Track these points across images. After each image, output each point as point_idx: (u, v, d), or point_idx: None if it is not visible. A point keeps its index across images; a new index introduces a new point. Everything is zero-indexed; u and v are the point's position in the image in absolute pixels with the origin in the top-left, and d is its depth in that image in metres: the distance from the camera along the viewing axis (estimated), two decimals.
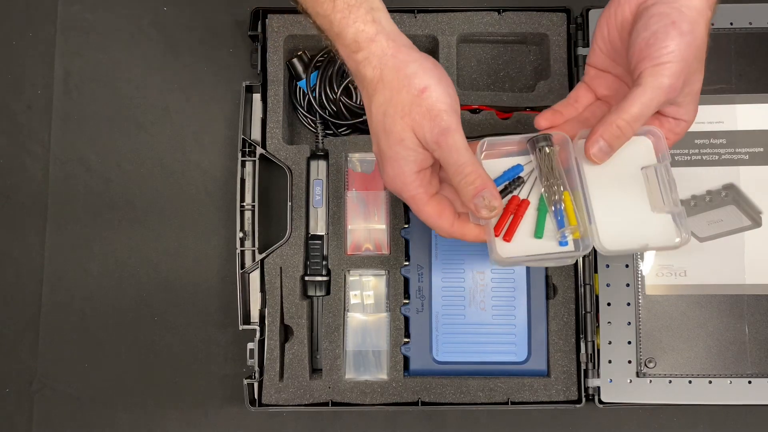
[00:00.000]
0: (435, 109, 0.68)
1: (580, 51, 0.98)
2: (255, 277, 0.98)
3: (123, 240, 1.02)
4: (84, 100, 1.04)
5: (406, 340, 0.95)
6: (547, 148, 0.74)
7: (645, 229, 0.75)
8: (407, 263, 0.96)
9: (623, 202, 0.75)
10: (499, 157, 0.77)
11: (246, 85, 0.98)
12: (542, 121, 0.78)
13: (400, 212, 0.97)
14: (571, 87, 0.98)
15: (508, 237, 0.74)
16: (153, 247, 1.02)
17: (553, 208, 0.74)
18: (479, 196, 0.69)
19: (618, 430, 1.00)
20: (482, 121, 0.98)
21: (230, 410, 1.00)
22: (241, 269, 0.96)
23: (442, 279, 0.95)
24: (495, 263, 0.74)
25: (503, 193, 0.75)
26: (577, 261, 0.94)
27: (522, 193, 0.76)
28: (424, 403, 0.94)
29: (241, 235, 0.97)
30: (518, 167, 0.76)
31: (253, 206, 0.97)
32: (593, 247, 0.73)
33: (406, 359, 0.95)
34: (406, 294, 0.96)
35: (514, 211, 0.75)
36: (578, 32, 0.98)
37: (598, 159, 0.72)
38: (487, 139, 0.75)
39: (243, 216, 0.97)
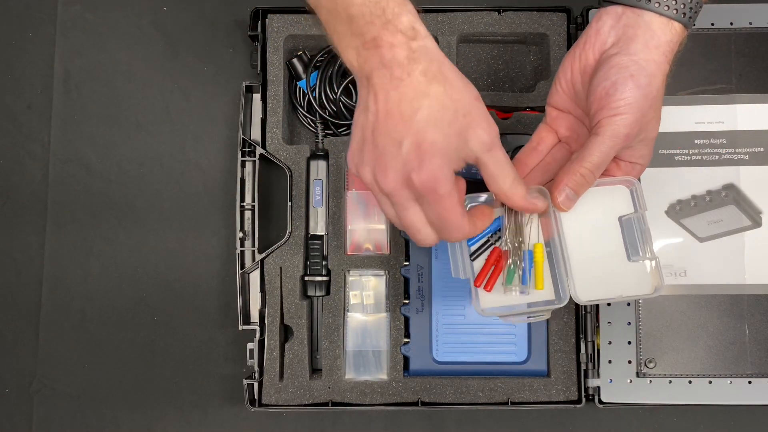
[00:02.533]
0: (489, 116, 0.70)
1: None
2: (255, 277, 0.98)
3: (123, 240, 1.02)
4: (84, 100, 1.04)
5: (406, 340, 0.95)
6: None
7: (620, 279, 0.78)
8: (407, 263, 0.96)
9: (600, 252, 0.78)
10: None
11: (246, 85, 0.98)
12: None
13: None
14: None
15: (488, 287, 0.77)
16: (153, 247, 1.02)
17: (520, 263, 0.78)
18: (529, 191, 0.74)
19: (618, 430, 1.00)
20: None
21: (230, 410, 1.00)
22: (241, 269, 0.96)
23: (442, 279, 0.95)
24: (477, 312, 0.77)
25: (485, 245, 0.79)
26: None
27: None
28: (424, 403, 0.94)
29: (241, 235, 0.96)
30: (500, 220, 0.79)
31: (253, 206, 0.97)
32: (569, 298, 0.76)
33: (406, 359, 0.95)
34: (406, 294, 0.96)
35: (495, 262, 0.77)
36: (578, 32, 0.98)
37: (566, 206, 0.75)
38: (468, 196, 0.77)
39: (243, 216, 0.97)
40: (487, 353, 0.95)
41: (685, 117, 0.95)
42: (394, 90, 0.66)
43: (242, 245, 0.97)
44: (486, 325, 0.95)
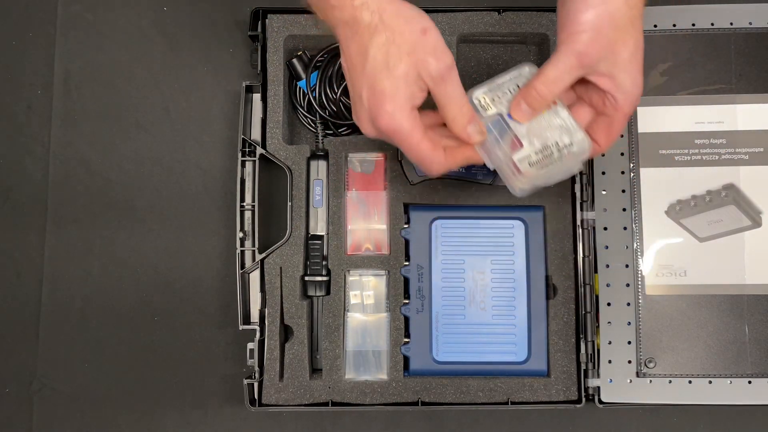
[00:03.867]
0: (439, 47, 0.72)
1: None
2: (255, 277, 0.97)
3: (123, 240, 1.02)
4: (84, 100, 1.04)
5: (406, 340, 0.95)
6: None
7: None
8: (407, 263, 0.96)
9: None
10: None
11: (246, 85, 0.98)
12: None
13: (400, 212, 0.97)
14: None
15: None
16: (153, 247, 1.02)
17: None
18: (472, 123, 0.75)
19: (618, 430, 1.00)
20: None
21: (230, 410, 1.00)
22: (241, 269, 0.96)
23: (442, 279, 0.95)
24: (519, 193, 0.78)
25: None
26: (576, 262, 0.95)
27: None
28: (424, 403, 0.94)
29: (241, 235, 0.96)
30: None
31: (253, 206, 0.97)
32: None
33: (406, 359, 0.95)
34: (406, 294, 0.96)
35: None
36: None
37: (523, 119, 0.76)
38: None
39: (243, 216, 0.97)
40: (487, 353, 0.95)
41: (685, 117, 0.95)
42: (350, 45, 0.73)
43: (242, 245, 0.97)
44: (486, 325, 0.95)
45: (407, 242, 0.96)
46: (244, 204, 0.97)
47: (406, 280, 0.96)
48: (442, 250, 0.96)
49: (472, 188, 0.97)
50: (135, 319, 1.01)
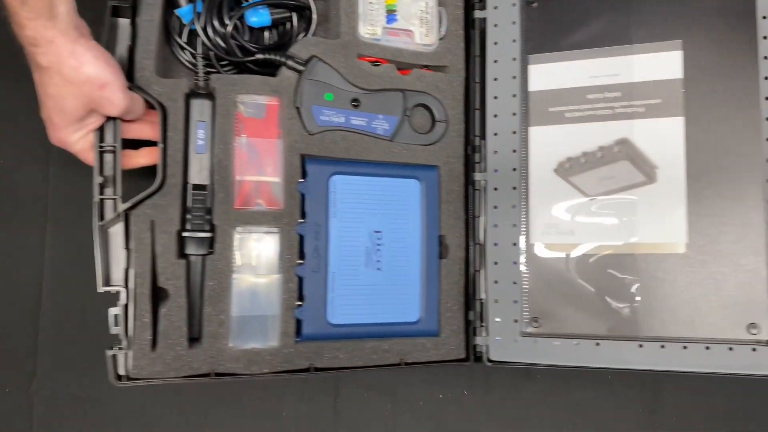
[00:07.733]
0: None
1: (477, 14, 0.97)
2: (118, 232, 0.84)
3: None
4: None
5: (299, 303, 0.88)
6: None
7: None
8: (303, 220, 0.88)
9: None
10: None
11: (112, 6, 0.84)
12: None
13: (296, 164, 0.89)
14: (467, 48, 0.98)
15: None
16: None
17: None
18: None
19: (507, 388, 1.02)
20: (383, 74, 0.95)
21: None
22: (100, 221, 0.82)
23: (339, 238, 0.90)
24: None
25: None
26: (467, 222, 0.95)
27: None
28: (316, 369, 0.89)
29: (100, 180, 0.82)
30: None
31: (115, 147, 0.83)
32: None
33: (299, 323, 0.88)
34: (301, 254, 0.89)
35: None
36: None
37: None
38: None
39: (103, 159, 0.82)
40: (381, 314, 0.93)
41: (576, 72, 0.93)
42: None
43: (102, 193, 0.82)
44: (381, 286, 0.93)
45: (303, 197, 0.89)
46: (104, 145, 0.83)
47: (301, 239, 0.89)
48: (341, 207, 0.90)
49: (371, 142, 0.93)
50: None
